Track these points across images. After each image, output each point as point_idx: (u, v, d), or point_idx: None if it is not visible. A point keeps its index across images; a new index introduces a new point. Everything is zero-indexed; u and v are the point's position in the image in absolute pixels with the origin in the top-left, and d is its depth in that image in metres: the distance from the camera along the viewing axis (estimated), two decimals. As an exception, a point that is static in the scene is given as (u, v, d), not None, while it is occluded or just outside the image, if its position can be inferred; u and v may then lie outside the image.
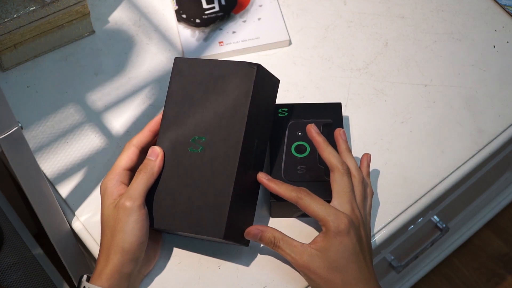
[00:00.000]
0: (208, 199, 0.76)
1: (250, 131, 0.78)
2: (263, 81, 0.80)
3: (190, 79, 0.80)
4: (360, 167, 0.83)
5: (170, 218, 0.77)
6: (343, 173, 0.78)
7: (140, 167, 0.78)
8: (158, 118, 0.81)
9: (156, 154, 0.78)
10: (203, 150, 0.77)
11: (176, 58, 0.81)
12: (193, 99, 0.79)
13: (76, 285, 0.79)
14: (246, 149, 0.78)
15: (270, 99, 0.83)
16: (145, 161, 0.78)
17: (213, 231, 0.75)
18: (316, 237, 0.77)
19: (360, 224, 0.78)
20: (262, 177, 0.80)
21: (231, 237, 0.77)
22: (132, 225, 0.74)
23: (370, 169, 0.88)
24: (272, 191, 0.79)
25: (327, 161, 0.79)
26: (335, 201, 0.78)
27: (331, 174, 0.79)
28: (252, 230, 0.78)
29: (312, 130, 0.81)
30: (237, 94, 0.78)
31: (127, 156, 0.79)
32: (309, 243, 0.77)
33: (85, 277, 0.77)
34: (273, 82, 0.82)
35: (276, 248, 0.78)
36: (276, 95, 0.83)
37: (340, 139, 0.82)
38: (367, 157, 0.84)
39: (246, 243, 0.80)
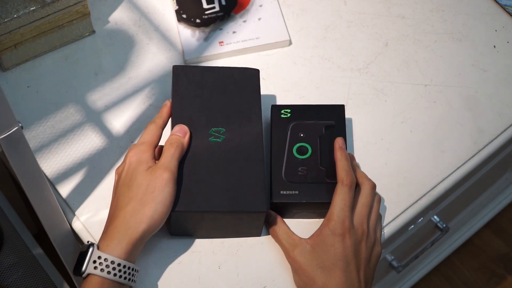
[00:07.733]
0: (241, 180, 0.79)
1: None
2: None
3: (193, 83, 0.84)
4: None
5: (205, 200, 0.78)
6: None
7: (168, 141, 0.78)
8: (169, 101, 0.84)
9: (184, 131, 0.80)
10: (225, 140, 0.81)
11: (174, 66, 0.85)
12: (202, 98, 0.84)
13: (79, 257, 0.74)
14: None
15: None
16: (173, 136, 0.79)
17: (254, 206, 0.78)
18: (314, 232, 0.78)
19: (364, 238, 0.78)
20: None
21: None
22: (166, 195, 0.75)
23: (371, 169, 0.88)
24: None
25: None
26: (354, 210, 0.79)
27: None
28: None
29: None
30: (247, 92, 0.84)
31: (157, 136, 0.80)
32: (306, 238, 0.78)
33: (95, 246, 0.73)
34: None
35: (273, 232, 0.80)
36: None
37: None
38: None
39: (259, 232, 0.83)
